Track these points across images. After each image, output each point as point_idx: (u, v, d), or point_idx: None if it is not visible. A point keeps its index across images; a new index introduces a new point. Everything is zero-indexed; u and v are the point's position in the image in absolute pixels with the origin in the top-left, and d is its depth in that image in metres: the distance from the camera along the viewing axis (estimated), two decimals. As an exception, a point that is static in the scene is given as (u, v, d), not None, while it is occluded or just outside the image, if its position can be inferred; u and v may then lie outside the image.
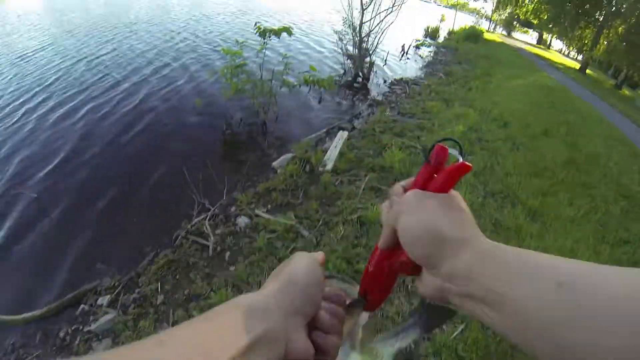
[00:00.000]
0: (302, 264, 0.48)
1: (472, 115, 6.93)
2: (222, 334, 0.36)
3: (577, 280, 0.34)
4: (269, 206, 4.02)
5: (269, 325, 0.39)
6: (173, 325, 2.72)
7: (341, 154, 4.73)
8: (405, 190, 0.55)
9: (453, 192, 0.51)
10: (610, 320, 0.30)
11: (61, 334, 2.80)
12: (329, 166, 4.40)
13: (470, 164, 0.51)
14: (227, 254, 3.38)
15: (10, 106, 6.40)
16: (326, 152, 4.76)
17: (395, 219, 0.51)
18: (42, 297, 3.13)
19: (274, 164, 4.90)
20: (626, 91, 25.53)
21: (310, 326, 0.47)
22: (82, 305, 3.02)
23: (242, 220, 3.82)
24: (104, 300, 3.04)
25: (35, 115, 6.08)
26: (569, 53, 38.85)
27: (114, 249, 3.65)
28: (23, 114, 6.13)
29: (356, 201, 3.81)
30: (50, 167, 4.81)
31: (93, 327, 2.78)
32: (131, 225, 3.99)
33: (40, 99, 6.66)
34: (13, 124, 5.85)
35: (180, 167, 4.67)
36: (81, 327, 2.82)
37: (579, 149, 6.83)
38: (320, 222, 3.61)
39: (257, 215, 3.84)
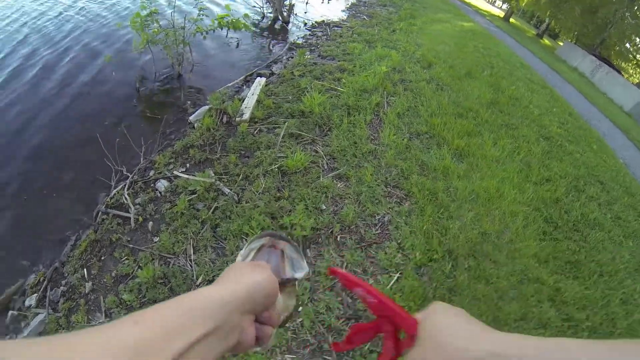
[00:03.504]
0: (264, 274, 0.54)
1: (395, 57, 6.75)
2: (191, 318, 0.39)
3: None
4: (188, 165, 3.78)
5: (229, 318, 0.44)
6: (106, 314, 2.58)
7: (259, 102, 4.47)
8: None
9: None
10: None
11: None
12: (246, 115, 4.15)
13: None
14: (150, 223, 3.17)
15: None
16: (243, 101, 4.49)
17: None
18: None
19: (191, 118, 4.59)
20: (546, 41, 26.81)
21: None
22: (10, 312, 2.76)
23: (162, 184, 3.58)
24: (31, 300, 2.81)
25: None
26: (494, 1, 39.48)
27: (34, 240, 3.31)
28: None
29: (276, 150, 3.63)
30: None
31: (25, 333, 2.57)
32: (48, 210, 3.60)
33: None
34: None
35: (93, 134, 4.25)
36: (14, 336, 2.61)
37: (502, 91, 6.93)
38: (241, 176, 3.43)
39: (176, 177, 3.59)
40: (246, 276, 0.52)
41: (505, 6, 32.51)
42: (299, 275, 0.64)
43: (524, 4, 26.72)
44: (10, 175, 3.93)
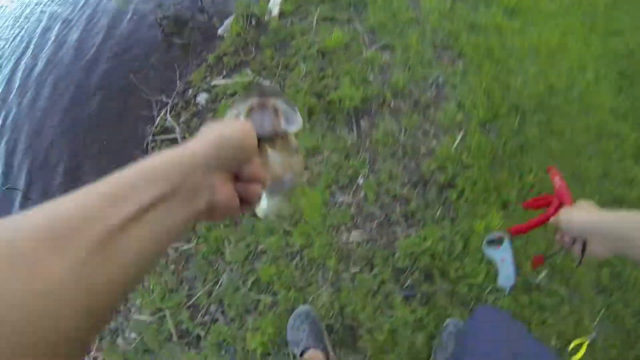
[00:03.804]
0: (236, 125, 0.48)
1: None
2: (142, 180, 0.36)
3: None
4: (224, 72, 3.64)
5: (190, 178, 0.39)
6: None
7: (286, -2, 4.19)
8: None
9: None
10: None
11: None
12: (275, 12, 3.91)
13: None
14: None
15: None
16: (270, 0, 4.23)
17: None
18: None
19: (219, 31, 4.39)
20: None
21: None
22: None
23: (202, 97, 3.49)
24: None
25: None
26: None
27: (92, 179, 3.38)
28: None
29: (312, 35, 3.41)
30: None
31: None
32: (100, 153, 3.70)
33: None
34: None
35: (126, 74, 4.21)
36: None
37: None
38: (280, 67, 3.25)
39: (214, 86, 3.49)
40: (213, 132, 0.46)
41: None
42: (293, 128, 0.58)
43: None
44: (67, 126, 4.10)
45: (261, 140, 0.54)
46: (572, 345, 1.81)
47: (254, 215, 0.65)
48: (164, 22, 5.24)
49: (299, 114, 0.60)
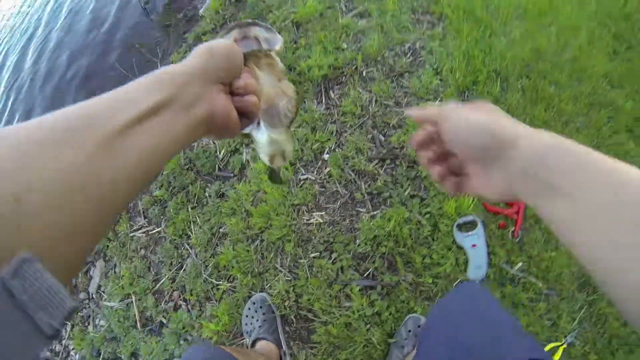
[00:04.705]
0: (222, 41, 0.51)
1: None
2: (139, 90, 0.38)
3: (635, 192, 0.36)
4: (202, 50, 3.52)
5: (187, 88, 0.41)
6: (144, 214, 2.40)
7: (265, -31, 4.00)
8: None
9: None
10: None
11: None
12: (253, -16, 3.74)
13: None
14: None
15: None
16: (248, -28, 4.05)
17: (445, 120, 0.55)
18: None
19: (201, 11, 4.25)
20: None
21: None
22: None
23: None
24: None
25: None
26: None
27: None
28: None
29: (289, 6, 3.23)
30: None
31: None
32: None
33: None
34: None
35: (111, 64, 4.25)
36: None
37: None
38: (255, 41, 3.11)
39: (191, 65, 3.37)
40: (201, 48, 0.48)
41: None
42: (276, 47, 0.60)
43: None
44: None
45: (247, 57, 0.55)
46: (546, 349, 1.65)
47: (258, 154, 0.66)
48: (147, 6, 5.15)
49: (278, 35, 0.62)
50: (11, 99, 4.53)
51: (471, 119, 0.50)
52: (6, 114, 4.35)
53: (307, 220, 2.04)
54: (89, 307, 2.37)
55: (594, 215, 0.37)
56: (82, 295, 2.40)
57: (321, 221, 2.02)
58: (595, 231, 0.36)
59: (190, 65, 0.44)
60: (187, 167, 2.56)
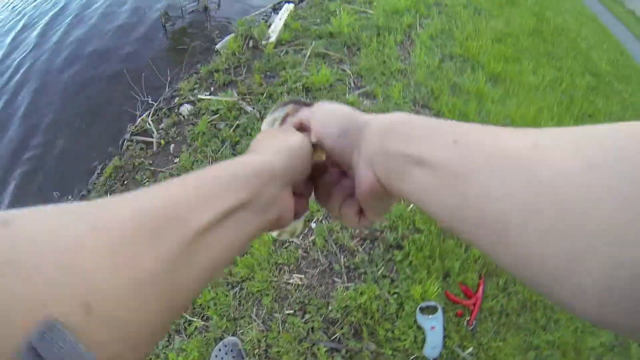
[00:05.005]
0: (298, 137, 0.49)
1: (431, -21, 6.29)
2: (221, 186, 0.36)
3: (470, 138, 0.34)
4: (212, 88, 3.71)
5: (267, 189, 0.40)
6: None
7: (286, 26, 4.29)
8: None
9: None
10: (502, 172, 0.29)
11: None
12: (273, 38, 4.00)
13: None
14: (172, 146, 3.16)
15: None
16: (270, 25, 4.33)
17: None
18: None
19: (217, 46, 4.49)
20: None
21: None
22: None
23: (185, 108, 3.55)
24: None
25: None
26: None
27: (64, 173, 3.46)
28: None
29: (301, 69, 3.49)
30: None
31: None
32: (78, 145, 3.73)
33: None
34: None
35: (121, 71, 4.31)
36: None
37: (547, 21, 6.33)
38: (264, 95, 3.32)
39: (199, 100, 3.55)
40: (278, 142, 0.47)
41: None
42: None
43: None
44: (47, 114, 4.11)
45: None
46: None
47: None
48: (168, 27, 5.36)
49: None
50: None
51: (333, 107, 0.51)
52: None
53: (287, 279, 2.22)
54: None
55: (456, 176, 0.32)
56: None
57: (300, 283, 2.20)
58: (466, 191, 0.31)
59: (269, 162, 0.42)
60: (178, 199, 2.68)
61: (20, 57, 4.96)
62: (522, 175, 0.27)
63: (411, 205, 2.52)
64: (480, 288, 2.19)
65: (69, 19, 5.60)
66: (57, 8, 5.91)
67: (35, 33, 5.38)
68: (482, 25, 5.01)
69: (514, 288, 2.25)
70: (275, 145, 0.46)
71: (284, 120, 0.60)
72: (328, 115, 0.50)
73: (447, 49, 4.16)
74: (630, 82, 5.76)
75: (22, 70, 4.74)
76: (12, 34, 5.45)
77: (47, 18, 5.67)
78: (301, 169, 0.47)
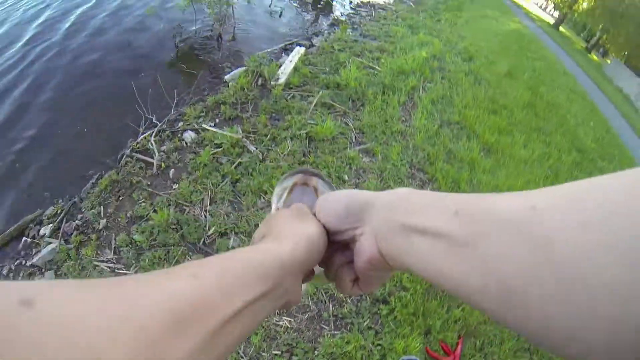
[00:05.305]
0: (317, 227, 0.50)
1: (437, 45, 6.65)
2: (250, 275, 0.37)
3: (471, 207, 0.34)
4: (217, 120, 3.81)
5: (287, 280, 0.41)
6: (115, 251, 2.64)
7: (296, 69, 4.46)
8: None
9: None
10: (502, 237, 0.29)
11: (4, 271, 2.63)
12: (282, 80, 4.16)
13: None
14: (172, 171, 3.22)
15: None
16: (281, 66, 4.49)
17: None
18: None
19: (226, 77, 4.61)
20: (594, 56, 25.86)
21: None
22: (24, 238, 2.84)
23: (189, 135, 3.62)
24: (46, 230, 2.87)
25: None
26: (546, 7, 38.30)
27: (58, 175, 3.43)
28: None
29: (307, 116, 3.64)
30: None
31: (35, 259, 2.63)
32: (76, 149, 3.72)
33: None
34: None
35: (128, 82, 4.34)
36: (24, 262, 2.66)
37: (540, 96, 6.73)
38: (268, 137, 3.44)
39: (204, 130, 3.63)
40: (299, 231, 0.48)
41: (556, 13, 31.38)
42: None
43: (578, 14, 25.86)
44: (49, 113, 4.11)
45: None
46: None
47: None
48: (180, 47, 5.48)
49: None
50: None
51: (336, 192, 0.53)
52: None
53: (277, 321, 2.31)
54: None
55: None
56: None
57: (289, 326, 2.29)
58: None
59: (291, 253, 0.44)
60: (174, 227, 2.75)
61: (39, 53, 4.99)
62: (521, 239, 0.28)
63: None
64: (459, 347, 2.32)
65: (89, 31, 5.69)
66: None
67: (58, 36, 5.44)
68: (480, 94, 5.28)
69: (490, 349, 2.39)
70: (295, 232, 0.47)
71: (292, 189, 0.62)
72: (334, 203, 0.51)
73: (446, 115, 4.38)
74: (613, 160, 6.09)
75: (39, 62, 4.83)
76: (32, 33, 5.47)
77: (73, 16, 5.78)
78: (317, 258, 0.48)
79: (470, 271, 0.31)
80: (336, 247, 0.52)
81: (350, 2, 9.23)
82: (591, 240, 0.24)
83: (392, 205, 0.43)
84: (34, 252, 2.74)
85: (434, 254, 0.35)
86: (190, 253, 2.63)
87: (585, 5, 24.90)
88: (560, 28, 26.97)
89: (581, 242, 0.24)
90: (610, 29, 23.93)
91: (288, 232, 0.48)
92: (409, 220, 0.39)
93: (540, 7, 39.14)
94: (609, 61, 26.34)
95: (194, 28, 5.84)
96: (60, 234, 2.82)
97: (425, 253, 0.36)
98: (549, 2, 32.79)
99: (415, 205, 0.40)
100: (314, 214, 0.54)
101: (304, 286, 0.54)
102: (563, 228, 0.26)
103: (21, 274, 2.57)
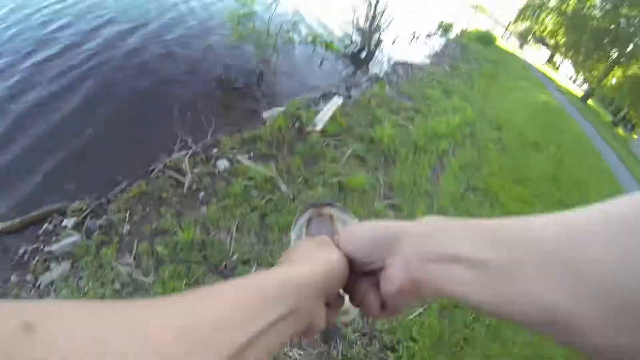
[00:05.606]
0: (338, 254, 0.50)
1: (469, 112, 6.88)
2: (267, 299, 0.37)
3: (506, 235, 0.36)
4: (252, 154, 3.95)
5: (305, 303, 0.41)
6: (135, 257, 2.71)
7: (332, 119, 4.65)
8: None
9: None
10: (542, 266, 0.31)
11: (20, 251, 2.68)
12: (319, 127, 4.32)
13: None
14: (202, 194, 3.32)
15: None
16: (318, 113, 4.67)
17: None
18: (5, 211, 3.01)
19: (264, 114, 4.79)
20: (620, 130, 26.10)
21: None
22: (45, 225, 2.91)
23: (222, 163, 3.75)
24: (69, 222, 2.93)
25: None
26: (575, 79, 39.01)
27: (88, 172, 3.53)
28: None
29: (339, 165, 3.76)
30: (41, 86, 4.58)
31: (54, 247, 2.69)
32: (110, 151, 3.86)
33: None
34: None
35: (170, 103, 4.55)
36: (42, 247, 2.72)
37: (565, 169, 6.86)
38: (300, 179, 3.56)
39: (238, 161, 3.76)
40: (318, 256, 0.48)
41: (585, 86, 31.78)
42: None
43: (606, 88, 26.19)
44: (91, 115, 4.31)
45: None
46: None
47: None
48: (224, 79, 5.75)
49: (353, 216, 0.64)
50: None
51: (362, 225, 0.52)
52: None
53: (286, 351, 2.34)
54: (30, 294, 2.44)
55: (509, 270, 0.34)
56: (28, 277, 2.50)
57: (298, 358, 2.33)
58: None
59: (312, 275, 0.44)
60: (198, 247, 2.81)
61: (94, 55, 5.31)
62: (562, 269, 0.29)
63: (412, 316, 2.67)
64: None
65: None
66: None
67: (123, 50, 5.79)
68: (507, 164, 5.41)
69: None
70: (313, 257, 0.48)
71: (309, 223, 0.64)
72: (360, 237, 0.51)
73: (473, 181, 4.50)
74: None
75: (91, 65, 5.12)
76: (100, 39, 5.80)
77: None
78: (338, 284, 0.49)
79: (511, 300, 0.33)
80: (360, 273, 0.52)
81: (389, 61, 9.58)
82: (635, 274, 0.25)
83: (427, 234, 0.43)
84: (53, 239, 2.79)
85: (474, 283, 0.36)
86: (210, 274, 2.67)
87: (614, 81, 25.28)
88: (589, 101, 27.22)
89: (623, 276, 0.26)
90: (638, 104, 24.05)
91: (309, 257, 0.49)
92: (446, 249, 0.40)
93: (570, 78, 39.65)
94: (635, 136, 26.36)
95: (240, 64, 6.13)
96: (83, 229, 2.89)
97: (464, 282, 0.38)
98: (579, 75, 33.37)
99: (452, 234, 0.41)
100: (335, 243, 0.54)
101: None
102: (603, 261, 0.27)
103: (37, 258, 2.62)
